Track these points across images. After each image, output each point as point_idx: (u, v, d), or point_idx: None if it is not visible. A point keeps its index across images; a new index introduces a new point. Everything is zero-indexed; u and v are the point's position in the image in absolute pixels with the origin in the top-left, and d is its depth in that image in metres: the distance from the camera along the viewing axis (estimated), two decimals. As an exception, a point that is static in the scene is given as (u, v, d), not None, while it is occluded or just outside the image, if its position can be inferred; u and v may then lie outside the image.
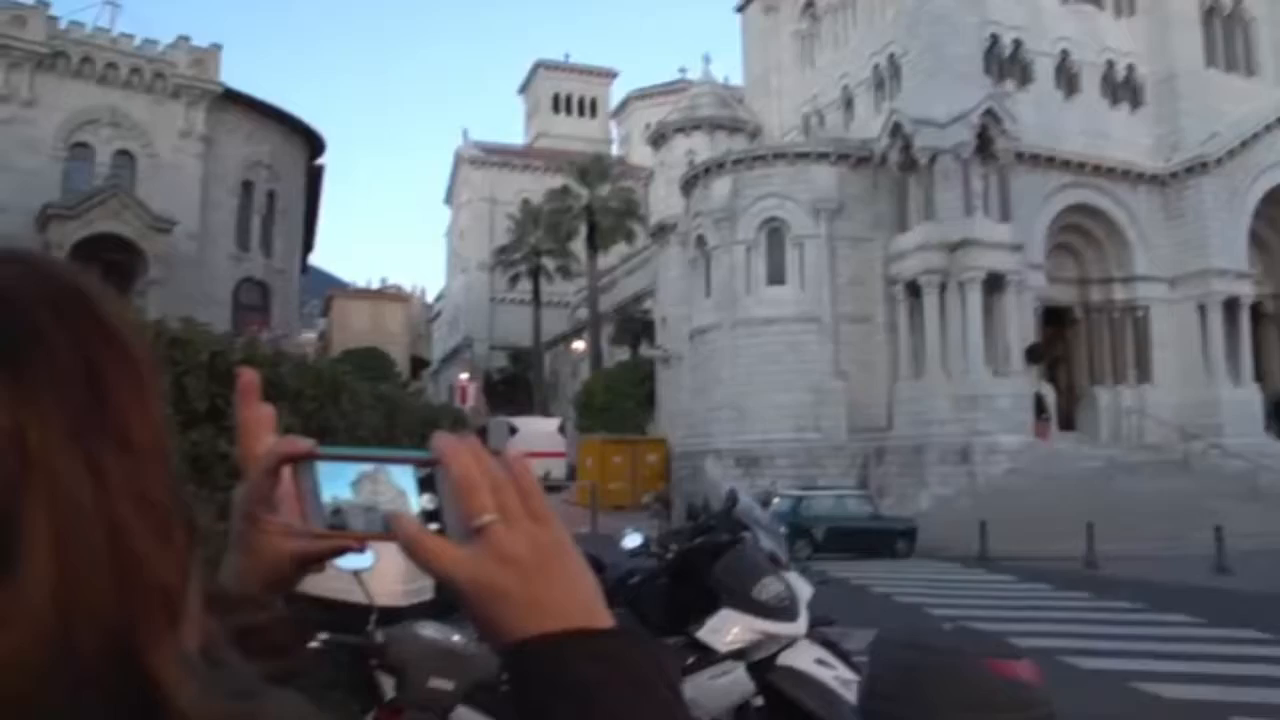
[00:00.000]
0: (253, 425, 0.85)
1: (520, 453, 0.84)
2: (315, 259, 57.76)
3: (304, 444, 0.79)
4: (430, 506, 0.73)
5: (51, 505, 0.50)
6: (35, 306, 0.53)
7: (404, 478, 0.75)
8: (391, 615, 3.33)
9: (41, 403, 0.51)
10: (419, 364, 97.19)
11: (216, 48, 37.44)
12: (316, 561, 0.85)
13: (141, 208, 33.79)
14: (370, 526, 0.76)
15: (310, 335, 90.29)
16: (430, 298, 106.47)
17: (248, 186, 38.22)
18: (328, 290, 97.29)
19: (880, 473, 29.05)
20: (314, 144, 42.23)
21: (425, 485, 0.74)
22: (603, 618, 0.70)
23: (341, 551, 0.83)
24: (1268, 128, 33.96)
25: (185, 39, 36.80)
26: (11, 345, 0.52)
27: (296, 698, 0.63)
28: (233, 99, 37.29)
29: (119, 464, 0.53)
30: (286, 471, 0.80)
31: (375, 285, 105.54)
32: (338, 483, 0.77)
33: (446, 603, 3.68)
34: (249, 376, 0.86)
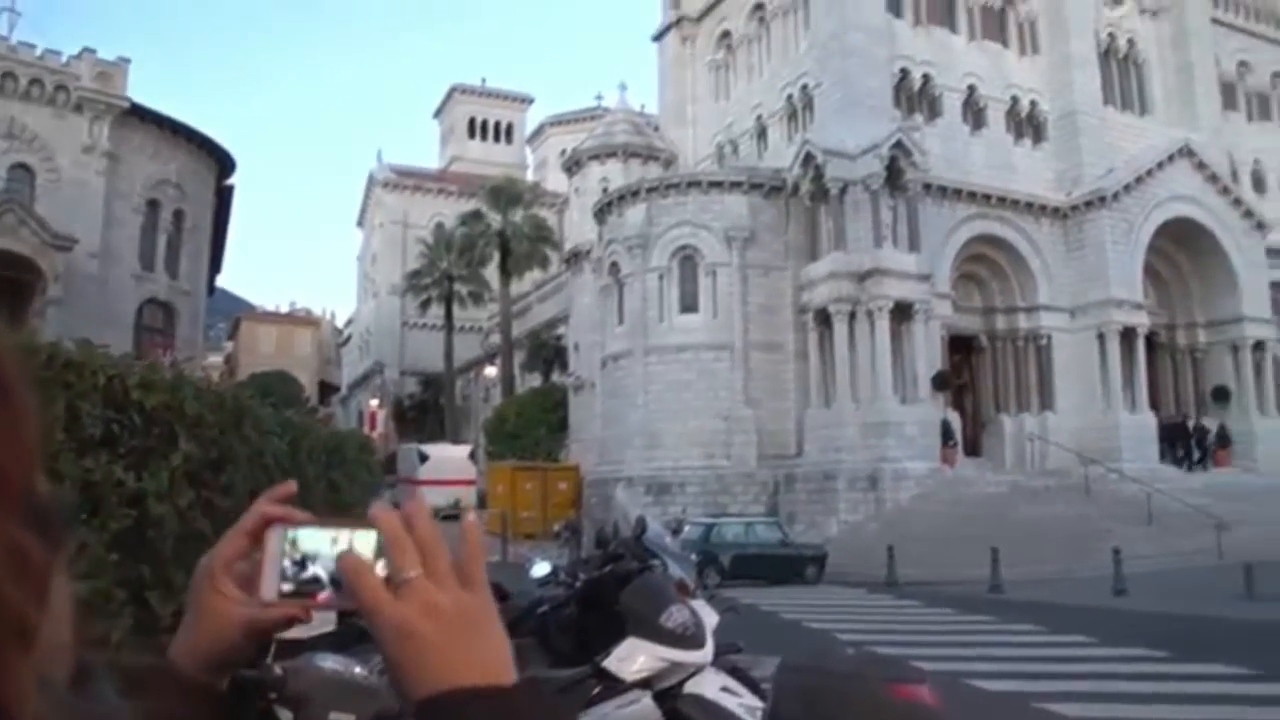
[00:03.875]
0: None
1: (472, 521, 0.86)
2: (223, 281, 56.47)
3: (281, 508, 0.80)
4: (384, 572, 0.77)
5: None
6: None
7: (367, 544, 0.79)
8: (291, 647, 3.26)
9: None
10: (328, 389, 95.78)
11: (124, 61, 36.48)
12: (265, 634, 0.85)
13: (39, 224, 32.70)
14: (333, 598, 0.80)
15: (216, 359, 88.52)
16: (341, 322, 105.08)
17: (154, 205, 37.26)
18: (235, 313, 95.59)
19: (790, 499, 29.28)
20: (224, 163, 41.40)
21: (382, 551, 0.78)
22: (509, 676, 0.74)
23: (290, 622, 0.83)
24: (1160, 165, 35.17)
25: (90, 51, 35.76)
26: None
27: None
28: (140, 115, 36.34)
29: None
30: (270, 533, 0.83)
31: (284, 308, 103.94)
32: (309, 548, 0.81)
33: (347, 634, 3.62)
34: (289, 488, 0.89)
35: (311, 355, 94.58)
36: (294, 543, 0.82)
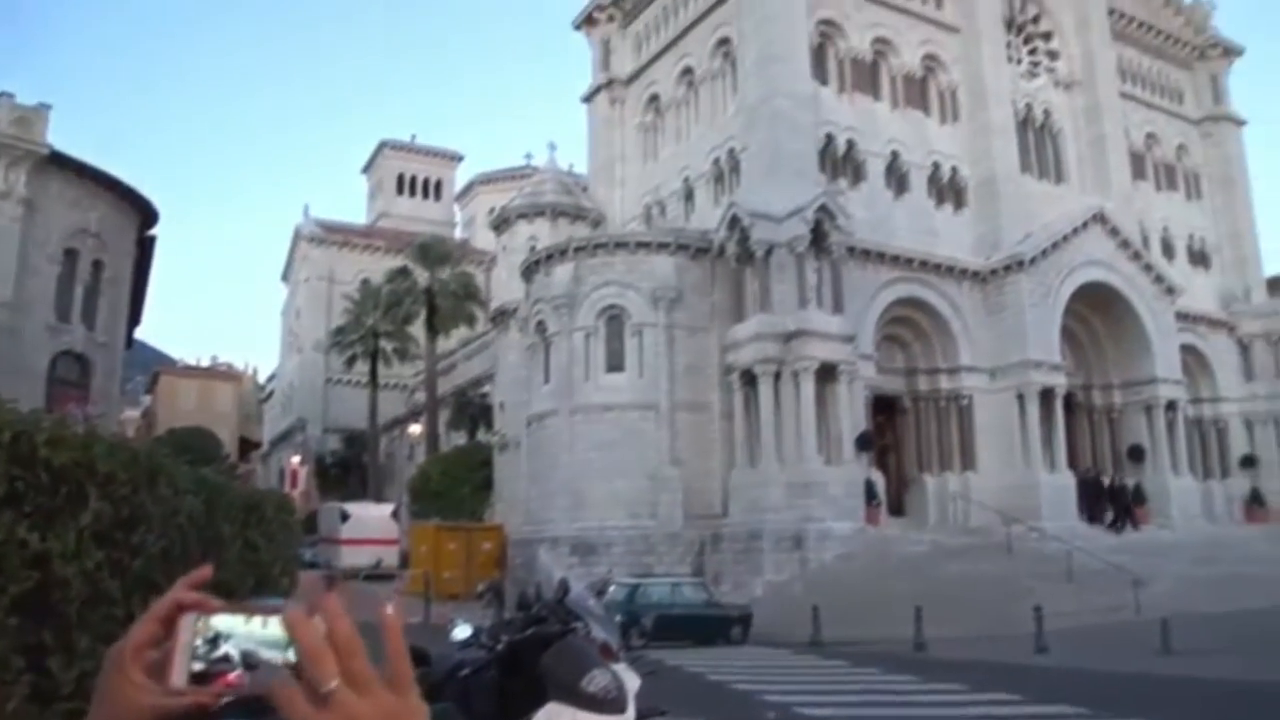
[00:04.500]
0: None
1: (393, 617, 0.82)
2: (143, 334, 55.37)
3: (195, 595, 0.77)
4: (294, 658, 0.76)
5: None
6: None
7: (281, 631, 0.78)
8: (200, 715, 3.14)
9: None
10: (249, 446, 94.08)
11: (45, 107, 35.78)
12: None
13: (-53, 273, 31.83)
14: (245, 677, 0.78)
15: (134, 413, 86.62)
16: (263, 377, 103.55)
17: (71, 254, 36.39)
18: (155, 366, 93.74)
19: (716, 559, 29.23)
20: (147, 214, 40.68)
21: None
22: None
23: (199, 711, 0.80)
24: (1075, 231, 36.20)
25: (9, 96, 35.11)
26: None
27: None
28: (60, 162, 35.62)
29: None
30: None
31: (205, 363, 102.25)
32: (222, 627, 0.78)
33: (257, 702, 3.50)
34: (205, 573, 0.86)
35: (232, 411, 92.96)
36: (206, 621, 0.80)
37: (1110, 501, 34.56)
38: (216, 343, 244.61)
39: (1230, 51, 48.89)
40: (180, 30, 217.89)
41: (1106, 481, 35.93)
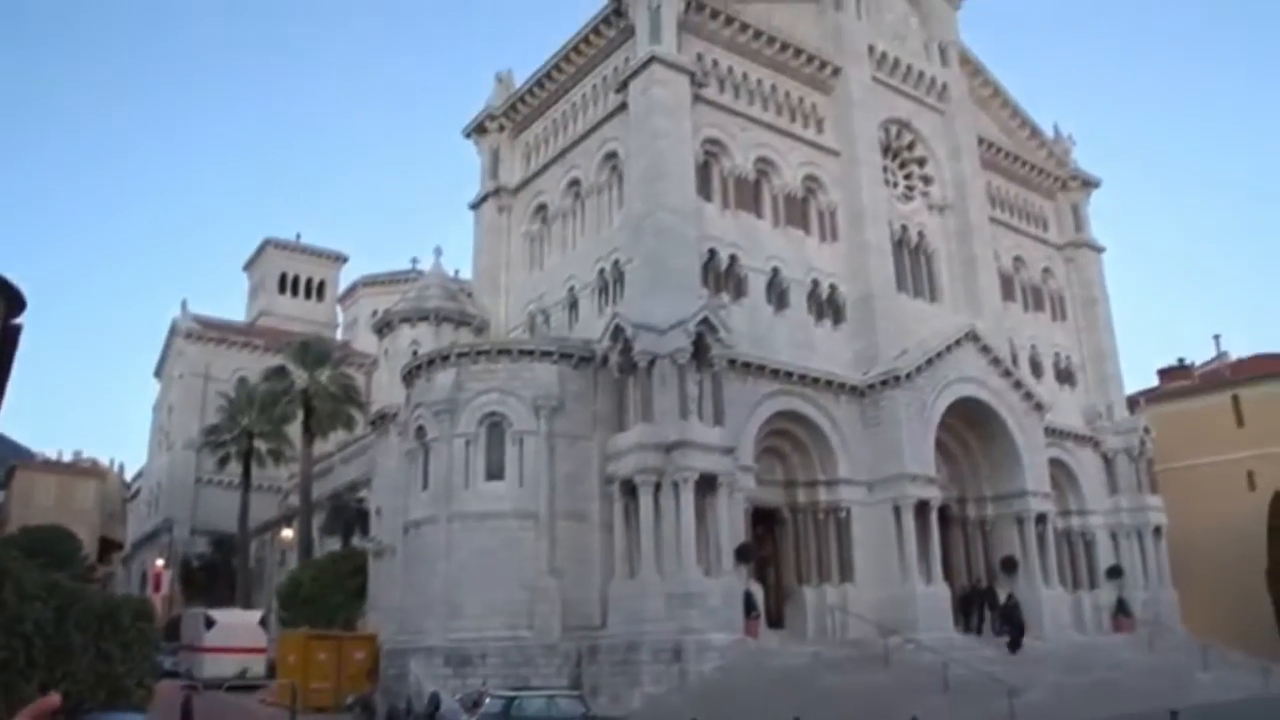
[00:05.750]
0: None
1: None
2: (3, 426, 53.07)
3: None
4: None
5: None
6: None
7: None
8: None
9: None
10: (110, 546, 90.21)
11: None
12: None
13: None
14: None
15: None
16: (130, 474, 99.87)
17: (-75, 347, 34.89)
18: (12, 460, 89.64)
19: (593, 671, 28.73)
20: (12, 301, 39.26)
21: None
22: None
23: None
24: (949, 348, 37.31)
25: None
26: None
27: None
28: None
29: None
30: None
31: (68, 458, 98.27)
32: None
33: None
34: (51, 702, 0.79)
35: (94, 510, 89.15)
36: None
37: (1006, 622, 34.60)
38: (81, 437, 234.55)
39: (1089, 183, 51.93)
40: (47, 113, 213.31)
41: (1003, 598, 36.12)
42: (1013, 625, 33.91)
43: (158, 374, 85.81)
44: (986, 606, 36.30)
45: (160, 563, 65.86)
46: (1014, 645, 33.11)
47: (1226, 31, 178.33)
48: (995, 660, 30.73)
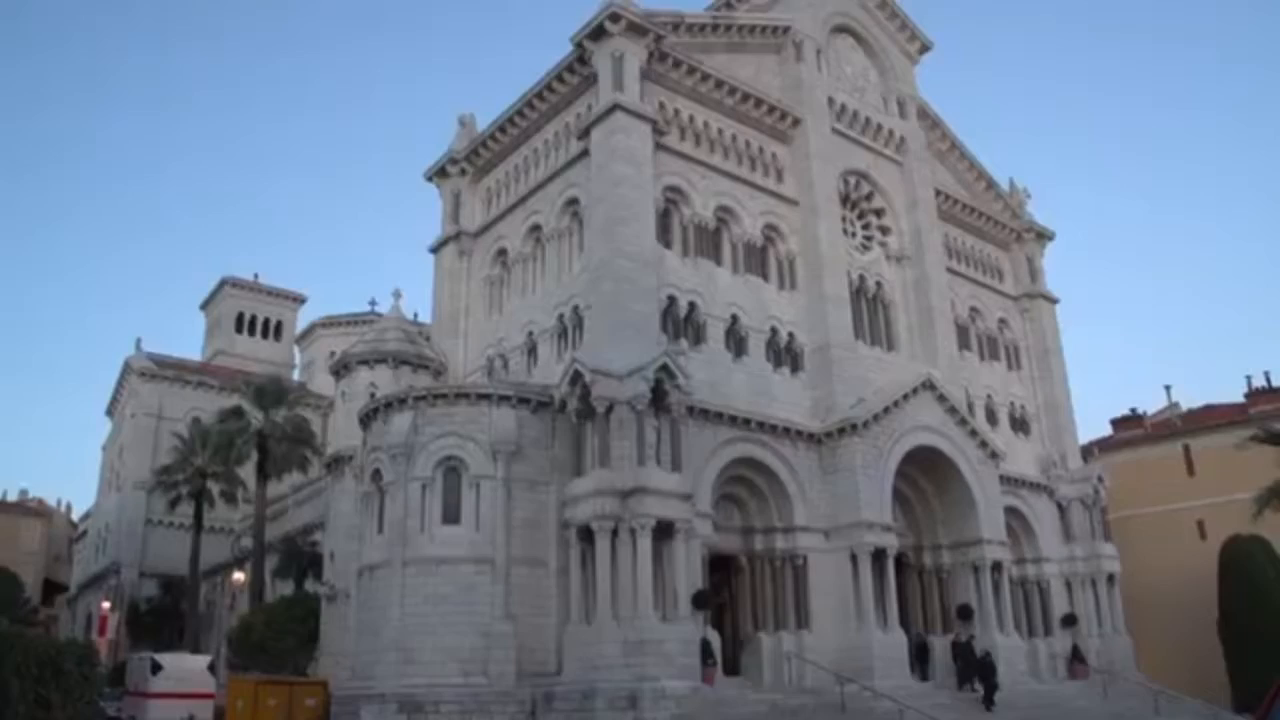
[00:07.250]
0: None
1: None
2: (-56, 468, 52.08)
3: None
4: None
5: None
6: None
7: None
8: None
9: None
10: (55, 589, 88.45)
11: None
12: None
13: None
14: None
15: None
16: (78, 515, 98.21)
17: None
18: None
19: (548, 719, 28.42)
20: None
21: None
22: None
23: None
24: (906, 397, 37.60)
25: None
26: None
27: None
28: None
29: None
30: None
31: (13, 497, 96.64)
32: None
33: None
34: None
35: (40, 550, 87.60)
36: None
37: (980, 676, 34.23)
38: (27, 476, 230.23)
39: (1044, 235, 52.93)
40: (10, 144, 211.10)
41: (979, 652, 35.73)
42: (985, 680, 33.77)
43: (109, 412, 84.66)
44: (961, 660, 35.95)
45: (107, 605, 64.54)
46: (989, 701, 33.00)
47: (1184, 73, 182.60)
48: (951, 708, 30.77)
